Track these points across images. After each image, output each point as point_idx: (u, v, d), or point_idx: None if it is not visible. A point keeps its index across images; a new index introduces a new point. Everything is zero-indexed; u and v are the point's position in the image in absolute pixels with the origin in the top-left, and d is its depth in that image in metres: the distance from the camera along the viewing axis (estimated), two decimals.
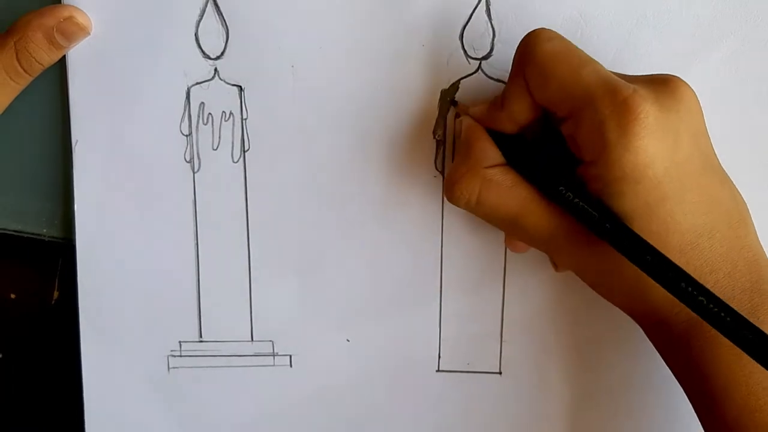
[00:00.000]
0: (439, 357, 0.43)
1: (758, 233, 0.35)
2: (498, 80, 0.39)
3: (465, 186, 0.35)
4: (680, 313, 0.34)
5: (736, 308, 0.31)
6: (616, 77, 0.33)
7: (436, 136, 0.40)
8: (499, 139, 0.36)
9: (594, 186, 0.33)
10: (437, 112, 0.40)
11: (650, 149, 0.31)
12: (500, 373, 0.43)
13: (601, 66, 0.33)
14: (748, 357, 0.33)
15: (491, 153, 0.36)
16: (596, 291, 0.37)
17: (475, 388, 0.43)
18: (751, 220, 0.35)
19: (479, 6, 0.38)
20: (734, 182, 0.35)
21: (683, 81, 0.33)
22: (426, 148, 0.40)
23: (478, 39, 0.39)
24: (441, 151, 0.40)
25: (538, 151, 0.35)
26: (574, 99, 0.33)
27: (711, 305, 0.30)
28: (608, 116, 0.31)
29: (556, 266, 0.39)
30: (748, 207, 0.35)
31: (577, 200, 0.33)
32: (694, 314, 0.33)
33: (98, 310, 0.42)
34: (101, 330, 0.43)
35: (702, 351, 0.34)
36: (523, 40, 0.34)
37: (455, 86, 0.39)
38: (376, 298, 0.42)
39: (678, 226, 0.33)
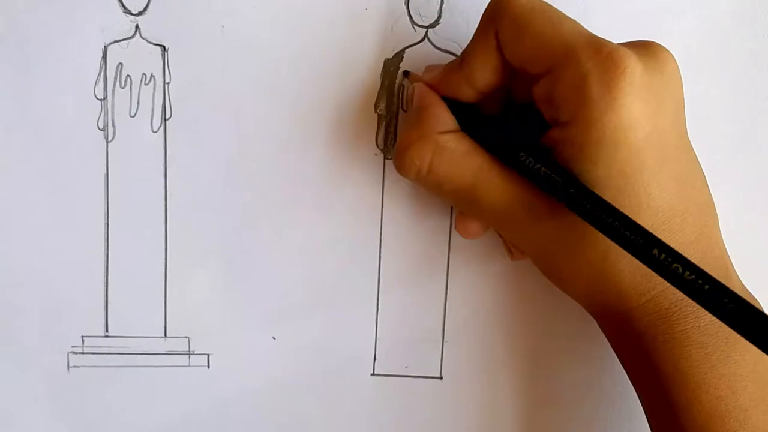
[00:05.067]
0: (375, 359, 0.39)
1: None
2: (445, 51, 0.36)
3: (416, 153, 0.32)
4: (647, 303, 0.31)
5: None
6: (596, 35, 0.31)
7: (378, 110, 0.37)
8: (455, 106, 0.33)
9: (565, 151, 0.30)
10: (379, 84, 0.36)
11: (634, 109, 0.29)
12: (441, 378, 0.39)
13: (581, 25, 0.31)
14: (718, 357, 0.31)
15: (445, 119, 0.33)
16: (553, 280, 0.34)
17: (414, 393, 0.39)
18: (716, 213, 0.33)
19: None
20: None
21: (665, 48, 0.31)
22: (366, 123, 0.37)
23: (425, 5, 0.36)
24: (382, 126, 0.37)
25: (495, 119, 0.33)
26: (553, 53, 0.30)
27: (687, 272, 0.27)
28: (591, 70, 0.29)
29: (512, 252, 0.36)
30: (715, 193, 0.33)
31: (539, 166, 0.30)
32: (662, 306, 0.31)
33: None
34: None
35: (668, 350, 0.31)
36: None
37: (399, 56, 0.36)
38: (306, 292, 0.38)
39: (652, 202, 0.30)
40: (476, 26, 0.36)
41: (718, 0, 0.37)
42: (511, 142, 0.32)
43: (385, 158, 0.37)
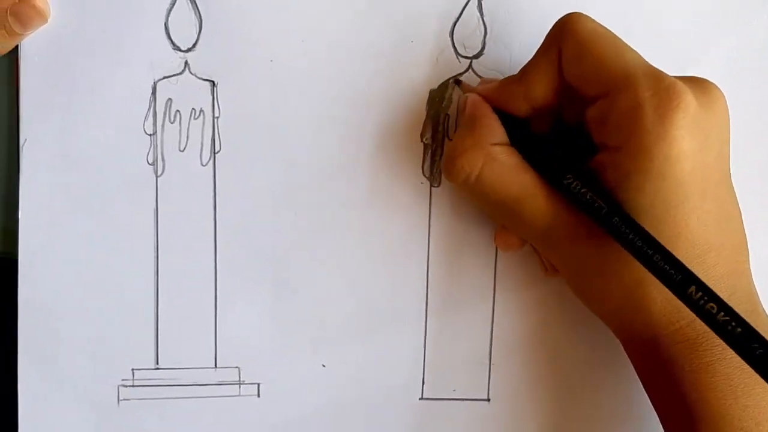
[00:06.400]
0: (423, 383, 0.39)
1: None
2: None
3: (468, 160, 0.33)
4: (676, 332, 0.32)
5: None
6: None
7: (424, 140, 0.37)
8: (506, 119, 0.34)
9: (611, 176, 0.31)
10: (425, 114, 0.37)
11: (684, 143, 0.30)
12: (488, 400, 0.39)
13: (643, 57, 0.32)
14: (743, 390, 0.32)
15: (497, 130, 0.33)
16: (583, 300, 0.35)
17: (463, 416, 0.39)
18: (748, 250, 0.34)
19: (471, 1, 0.36)
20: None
21: (718, 87, 0.32)
22: (413, 152, 0.37)
23: (469, 37, 0.37)
24: (428, 155, 0.37)
25: (546, 138, 0.34)
26: (612, 77, 0.31)
27: (721, 314, 0.28)
28: (648, 99, 0.30)
29: (546, 268, 0.36)
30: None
31: (584, 190, 0.31)
32: (690, 336, 0.32)
33: (39, 334, 0.37)
34: (42, 356, 0.37)
35: (695, 380, 0.32)
36: (562, 18, 0.33)
37: (444, 86, 0.37)
38: (355, 319, 0.39)
39: (690, 234, 0.31)
40: (519, 56, 0.37)
41: (755, 27, 0.38)
42: (558, 162, 0.32)
43: (431, 186, 0.38)
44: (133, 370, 0.38)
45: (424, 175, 0.38)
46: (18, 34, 0.35)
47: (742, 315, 0.31)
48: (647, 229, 0.30)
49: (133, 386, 0.38)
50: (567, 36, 0.32)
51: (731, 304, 0.31)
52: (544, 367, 0.39)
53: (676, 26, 0.38)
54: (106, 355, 0.38)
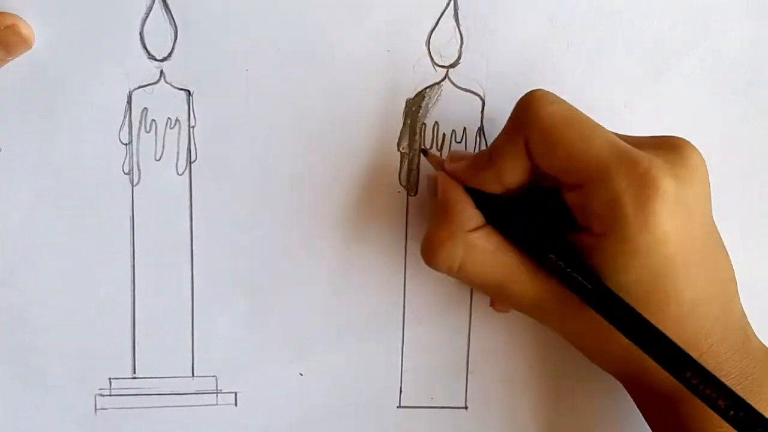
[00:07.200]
0: (401, 391, 0.39)
1: None
2: (465, 90, 0.37)
3: (447, 252, 0.33)
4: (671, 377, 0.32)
5: (728, 368, 0.31)
6: (629, 146, 0.31)
7: (401, 149, 0.37)
8: (480, 198, 0.33)
9: (597, 257, 0.31)
10: (402, 123, 0.37)
11: (666, 226, 0.29)
12: (466, 407, 0.40)
13: (610, 132, 0.31)
14: None
15: (472, 215, 0.33)
16: (588, 358, 0.35)
17: (440, 424, 0.39)
18: (735, 277, 0.34)
19: (447, 10, 0.36)
20: None
21: (693, 146, 0.32)
22: (390, 161, 0.37)
23: (445, 46, 0.37)
24: (405, 164, 0.37)
25: (524, 214, 0.33)
26: (585, 169, 0.30)
27: (720, 401, 0.28)
28: (625, 190, 0.29)
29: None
30: None
31: (569, 270, 0.31)
32: None
33: (16, 343, 0.37)
34: (19, 366, 0.37)
35: (692, 413, 0.32)
36: (522, 100, 0.32)
37: (421, 95, 0.37)
38: (333, 327, 0.39)
39: (678, 297, 0.31)
40: (495, 65, 0.37)
41: (735, 32, 0.38)
42: (540, 241, 0.32)
43: (408, 195, 0.38)
44: (110, 379, 0.38)
45: (401, 184, 0.38)
46: (1, 60, 0.34)
47: (737, 348, 0.32)
48: (635, 300, 0.30)
49: (110, 395, 0.38)
50: (531, 127, 0.31)
51: (726, 342, 0.32)
52: (522, 375, 0.39)
53: (659, 27, 0.38)
54: (83, 365, 0.38)
